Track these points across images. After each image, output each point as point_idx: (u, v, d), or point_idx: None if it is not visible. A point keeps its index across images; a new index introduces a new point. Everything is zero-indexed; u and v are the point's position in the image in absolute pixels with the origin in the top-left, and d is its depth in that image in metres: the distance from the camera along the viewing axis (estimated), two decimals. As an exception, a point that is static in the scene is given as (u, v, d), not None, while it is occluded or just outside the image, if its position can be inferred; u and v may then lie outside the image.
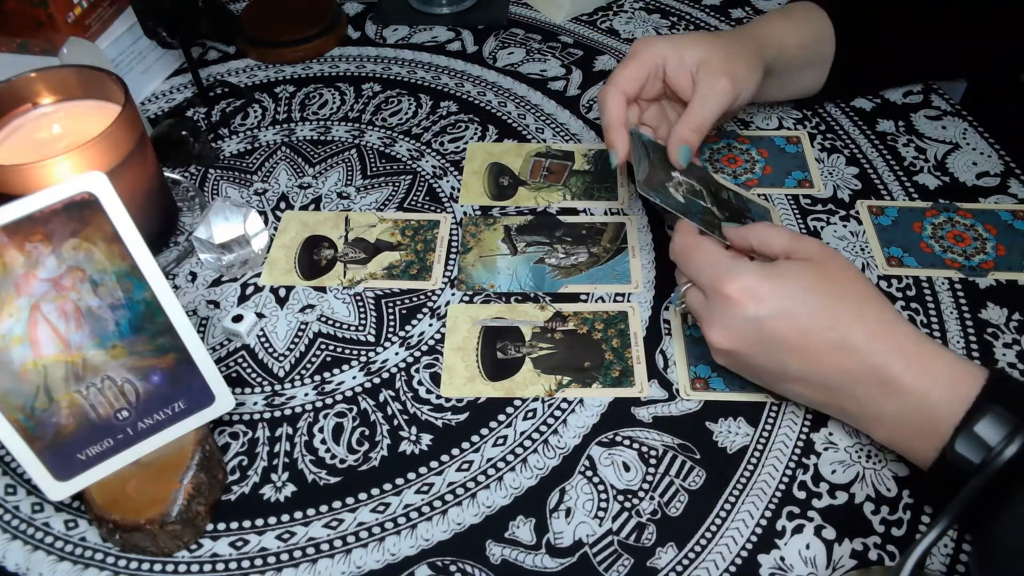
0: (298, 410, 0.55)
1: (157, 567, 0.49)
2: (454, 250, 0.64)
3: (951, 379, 0.45)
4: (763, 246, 0.52)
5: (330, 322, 0.60)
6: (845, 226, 0.64)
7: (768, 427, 0.53)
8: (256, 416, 0.55)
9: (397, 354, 0.58)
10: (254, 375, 0.57)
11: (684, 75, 0.61)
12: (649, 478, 0.51)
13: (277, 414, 0.55)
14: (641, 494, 0.50)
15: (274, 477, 0.52)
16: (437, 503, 0.51)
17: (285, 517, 0.50)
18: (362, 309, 0.61)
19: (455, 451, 0.53)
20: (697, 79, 0.60)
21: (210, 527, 0.50)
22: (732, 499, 0.50)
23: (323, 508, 0.51)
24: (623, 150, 0.60)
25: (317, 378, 0.57)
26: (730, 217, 0.60)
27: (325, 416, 0.55)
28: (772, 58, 0.64)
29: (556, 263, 0.63)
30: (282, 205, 0.69)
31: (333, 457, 0.53)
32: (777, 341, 0.48)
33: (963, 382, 0.44)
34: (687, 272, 0.53)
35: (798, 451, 0.52)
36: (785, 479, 0.51)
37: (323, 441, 0.54)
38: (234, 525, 0.50)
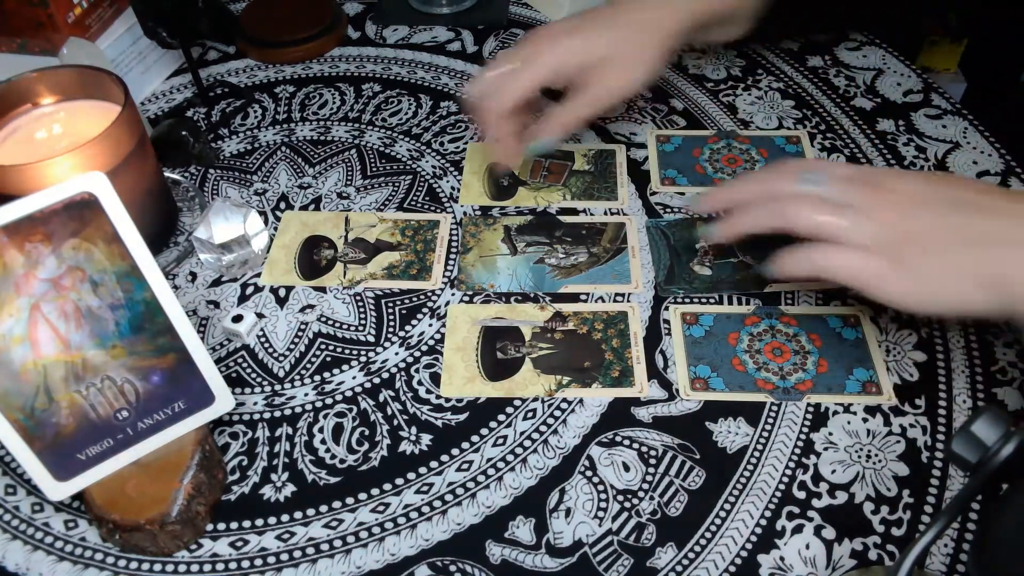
0: (298, 410, 0.56)
1: (157, 567, 0.49)
2: (454, 250, 0.64)
3: None
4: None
5: (330, 322, 0.60)
6: (845, 226, 0.64)
7: (768, 427, 0.53)
8: (256, 416, 0.55)
9: (397, 354, 0.58)
10: (254, 375, 0.57)
11: (576, 73, 0.61)
12: (649, 478, 0.51)
13: (277, 414, 0.55)
14: (641, 494, 0.50)
15: (274, 477, 0.52)
16: (437, 503, 0.51)
17: (285, 517, 0.50)
18: (362, 309, 0.61)
19: (455, 451, 0.53)
20: (586, 73, 0.61)
21: (210, 527, 0.50)
22: (732, 499, 0.50)
23: (323, 508, 0.51)
24: (495, 134, 0.63)
25: (317, 378, 0.57)
26: (763, 255, 0.60)
27: (325, 416, 0.55)
28: (692, 24, 0.63)
29: (556, 263, 0.63)
30: (282, 205, 0.69)
31: (333, 457, 0.53)
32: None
33: None
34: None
35: (798, 451, 0.52)
36: (785, 479, 0.51)
37: (323, 441, 0.54)
38: (234, 525, 0.50)
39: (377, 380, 0.57)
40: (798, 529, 0.49)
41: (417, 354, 0.58)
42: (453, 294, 0.61)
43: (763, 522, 0.49)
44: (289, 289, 0.62)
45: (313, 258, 0.64)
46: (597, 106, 0.62)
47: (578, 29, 0.62)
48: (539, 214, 0.66)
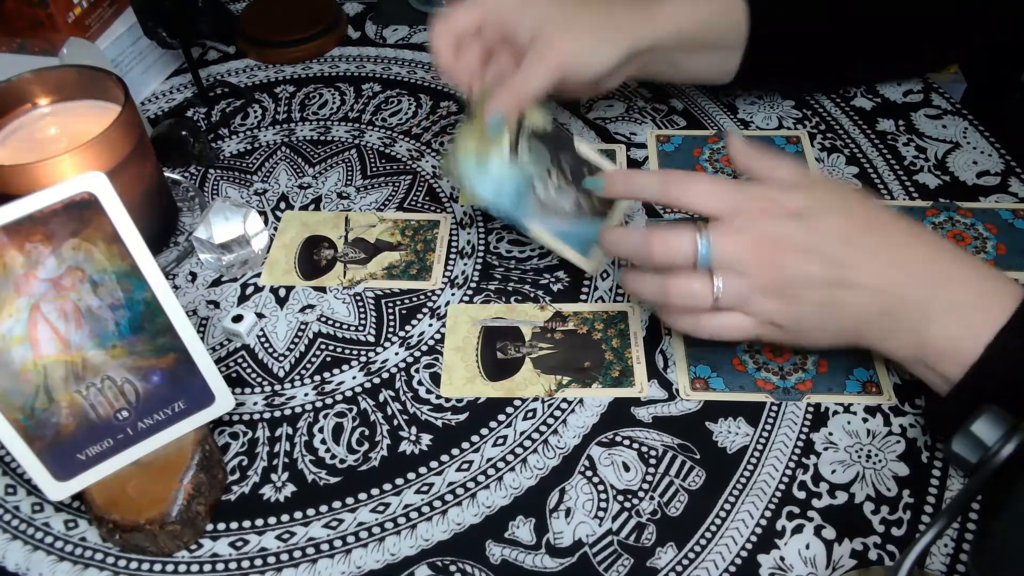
0: (298, 410, 0.55)
1: (157, 567, 0.49)
2: (454, 250, 0.64)
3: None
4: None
5: (330, 322, 0.60)
6: (845, 226, 0.64)
7: (768, 427, 0.53)
8: (256, 416, 0.55)
9: (397, 354, 0.58)
10: (254, 375, 0.57)
11: (523, 30, 0.56)
12: (649, 478, 0.51)
13: (277, 414, 0.55)
14: (641, 494, 0.50)
15: (274, 477, 0.52)
16: (437, 503, 0.51)
17: (285, 517, 0.50)
18: (362, 309, 0.61)
19: (455, 451, 0.53)
20: (534, 38, 0.56)
21: (210, 527, 0.50)
22: (732, 499, 0.50)
23: (323, 508, 0.51)
24: (469, 88, 0.58)
25: (317, 378, 0.57)
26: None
27: (325, 416, 0.55)
28: (655, 37, 0.59)
29: (542, 195, 0.58)
30: (282, 205, 0.69)
31: (333, 457, 0.53)
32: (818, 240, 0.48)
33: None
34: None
35: (798, 451, 0.52)
36: (785, 479, 0.51)
37: (323, 441, 0.54)
38: (234, 525, 0.50)
39: (377, 380, 0.57)
40: (798, 529, 0.49)
41: (417, 354, 0.58)
42: (453, 294, 0.61)
43: (763, 522, 0.49)
44: (289, 289, 0.62)
45: (313, 258, 0.64)
46: (548, 76, 0.55)
47: None
48: (557, 130, 0.60)
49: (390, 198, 0.69)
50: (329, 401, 0.56)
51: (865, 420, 0.53)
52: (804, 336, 0.50)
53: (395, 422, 0.54)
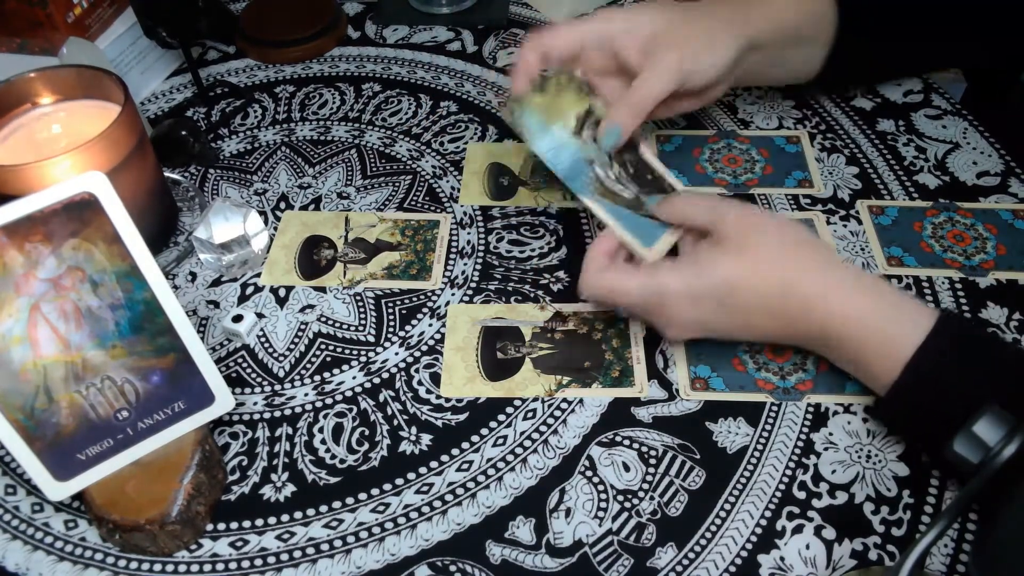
0: (298, 410, 0.55)
1: (157, 567, 0.49)
2: (454, 250, 0.64)
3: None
4: (685, 222, 0.55)
5: (330, 322, 0.60)
6: (845, 226, 0.64)
7: (768, 427, 0.53)
8: (256, 416, 0.55)
9: (397, 354, 0.58)
10: (254, 375, 0.57)
11: (633, 48, 0.57)
12: (649, 478, 0.51)
13: (277, 414, 0.55)
14: (641, 494, 0.50)
15: (274, 477, 0.52)
16: (437, 503, 0.51)
17: (285, 517, 0.50)
18: (362, 309, 0.61)
19: (455, 451, 0.53)
20: (646, 52, 0.56)
21: (210, 527, 0.50)
22: (732, 499, 0.50)
23: (323, 508, 0.51)
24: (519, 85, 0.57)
25: (317, 378, 0.57)
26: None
27: (325, 416, 0.55)
28: (760, 32, 0.60)
29: (600, 176, 0.57)
30: (282, 205, 0.69)
31: (333, 457, 0.53)
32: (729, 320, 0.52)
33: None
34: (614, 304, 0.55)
35: (798, 451, 0.52)
36: (785, 479, 0.51)
37: (323, 441, 0.54)
38: (234, 525, 0.50)
39: (377, 380, 0.57)
40: (798, 529, 0.49)
41: (417, 354, 0.58)
42: (453, 294, 0.61)
43: (763, 522, 0.49)
44: (289, 289, 0.62)
45: (313, 258, 0.64)
46: (668, 82, 0.55)
47: (639, 8, 0.58)
48: (630, 145, 0.58)
49: (390, 198, 0.69)
50: (329, 401, 0.56)
51: (865, 420, 0.53)
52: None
53: (395, 422, 0.54)
